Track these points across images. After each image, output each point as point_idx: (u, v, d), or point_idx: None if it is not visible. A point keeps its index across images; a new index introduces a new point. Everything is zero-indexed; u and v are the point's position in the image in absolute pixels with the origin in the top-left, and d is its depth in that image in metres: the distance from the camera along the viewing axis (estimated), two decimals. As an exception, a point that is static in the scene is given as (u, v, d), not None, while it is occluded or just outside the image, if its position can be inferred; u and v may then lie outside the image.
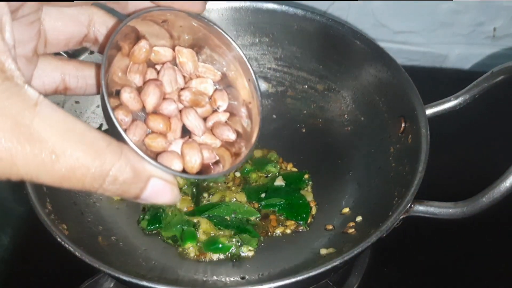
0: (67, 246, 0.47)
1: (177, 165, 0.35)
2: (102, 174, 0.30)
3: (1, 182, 0.72)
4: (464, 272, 0.64)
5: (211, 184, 0.65)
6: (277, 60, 0.70)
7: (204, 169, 0.37)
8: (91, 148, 0.29)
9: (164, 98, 0.38)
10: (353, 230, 0.59)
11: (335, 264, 0.46)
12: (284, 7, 0.65)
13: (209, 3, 0.64)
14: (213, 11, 0.65)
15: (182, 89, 0.39)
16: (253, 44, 0.69)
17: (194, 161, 0.36)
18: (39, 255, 0.64)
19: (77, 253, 0.47)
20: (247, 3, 0.65)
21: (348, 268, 0.62)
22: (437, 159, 0.54)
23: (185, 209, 0.63)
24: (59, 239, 0.47)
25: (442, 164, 0.61)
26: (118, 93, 0.36)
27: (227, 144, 0.40)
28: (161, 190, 0.33)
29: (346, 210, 0.62)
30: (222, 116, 0.40)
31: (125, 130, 0.33)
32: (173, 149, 0.37)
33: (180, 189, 0.65)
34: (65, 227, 0.52)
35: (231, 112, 0.41)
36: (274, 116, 0.71)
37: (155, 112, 0.37)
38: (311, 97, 0.70)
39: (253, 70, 0.39)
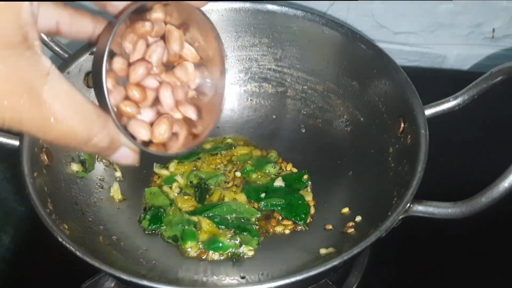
0: (68, 246, 0.47)
1: (144, 134, 0.41)
2: (86, 141, 0.35)
3: (3, 183, 0.73)
4: (463, 272, 0.64)
5: (211, 184, 0.65)
6: (277, 61, 0.70)
7: (165, 145, 0.43)
8: (84, 119, 0.35)
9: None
10: (353, 230, 0.59)
11: (334, 263, 0.47)
12: (284, 8, 0.65)
13: (209, 4, 0.65)
14: (213, 12, 0.66)
15: (164, 65, 0.43)
16: (253, 45, 0.69)
17: (161, 133, 0.41)
18: (40, 255, 0.64)
19: (78, 253, 0.47)
20: (247, 4, 0.65)
21: (348, 268, 0.62)
22: (436, 159, 0.54)
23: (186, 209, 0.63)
24: (60, 239, 0.48)
25: (441, 164, 0.61)
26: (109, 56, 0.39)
27: (188, 124, 0.44)
28: (126, 156, 0.40)
29: (345, 210, 0.62)
30: (190, 95, 0.44)
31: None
32: (143, 118, 0.41)
33: (181, 189, 0.65)
34: (66, 227, 0.52)
35: (200, 92, 0.45)
36: (274, 116, 0.72)
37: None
38: (310, 97, 0.70)
39: (226, 62, 0.44)
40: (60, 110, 0.33)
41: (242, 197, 0.64)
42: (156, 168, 0.67)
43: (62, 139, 0.34)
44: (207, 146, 0.70)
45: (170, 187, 0.65)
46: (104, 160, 0.65)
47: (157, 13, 0.41)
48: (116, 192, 0.64)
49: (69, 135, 0.34)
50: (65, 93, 0.34)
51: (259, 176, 0.67)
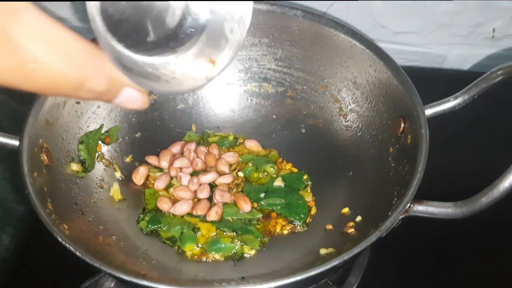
0: (68, 246, 0.47)
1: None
2: (79, 86, 0.30)
3: (3, 183, 0.73)
4: (463, 272, 0.64)
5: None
6: (277, 61, 0.70)
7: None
8: (72, 60, 0.29)
9: None
10: (353, 230, 0.59)
11: (334, 264, 0.47)
12: (284, 8, 0.65)
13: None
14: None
15: None
16: (253, 45, 0.69)
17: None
18: (40, 255, 0.64)
19: (78, 253, 0.47)
20: (247, 4, 0.65)
21: (348, 268, 0.62)
22: (436, 159, 0.54)
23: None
24: (60, 239, 0.48)
25: (442, 164, 0.61)
26: None
27: None
28: (133, 98, 0.34)
29: (345, 210, 0.62)
30: None
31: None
32: None
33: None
34: (66, 227, 0.52)
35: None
36: (274, 116, 0.72)
37: None
38: (310, 97, 0.70)
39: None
40: (39, 53, 0.28)
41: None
42: (152, 172, 0.67)
43: (52, 87, 0.29)
44: (214, 139, 0.70)
45: (167, 190, 0.65)
46: (104, 160, 0.65)
47: None
48: (116, 192, 0.64)
49: (59, 81, 0.29)
50: (45, 31, 0.28)
51: (260, 176, 0.66)
